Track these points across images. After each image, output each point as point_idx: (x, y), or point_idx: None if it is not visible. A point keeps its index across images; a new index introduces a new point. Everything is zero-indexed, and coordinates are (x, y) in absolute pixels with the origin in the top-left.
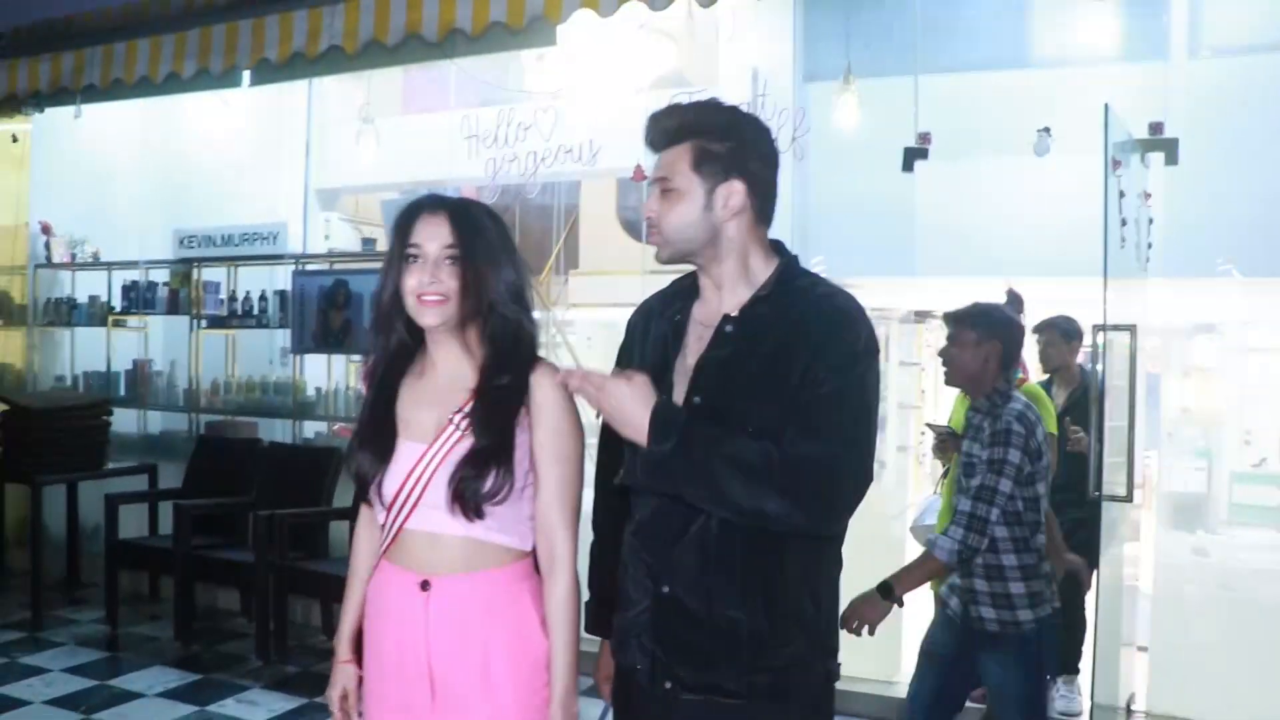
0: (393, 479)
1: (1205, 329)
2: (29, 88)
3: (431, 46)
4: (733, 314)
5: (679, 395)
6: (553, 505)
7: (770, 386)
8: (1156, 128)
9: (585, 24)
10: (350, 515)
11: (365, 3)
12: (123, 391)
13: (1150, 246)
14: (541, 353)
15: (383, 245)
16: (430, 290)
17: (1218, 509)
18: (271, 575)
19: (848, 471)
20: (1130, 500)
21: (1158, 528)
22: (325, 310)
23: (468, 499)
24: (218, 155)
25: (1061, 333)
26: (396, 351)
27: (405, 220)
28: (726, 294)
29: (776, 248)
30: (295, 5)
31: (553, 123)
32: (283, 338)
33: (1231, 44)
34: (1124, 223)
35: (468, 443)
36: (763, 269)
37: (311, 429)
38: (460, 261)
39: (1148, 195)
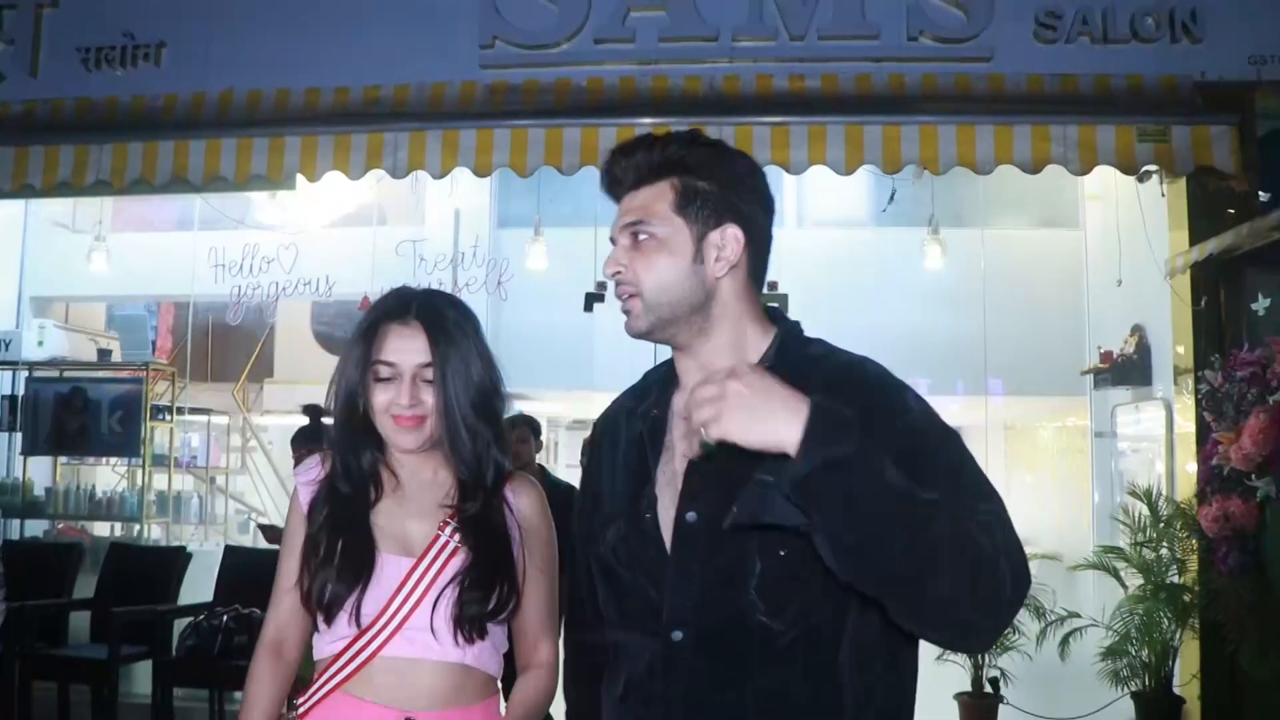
0: (374, 598)
1: None
2: None
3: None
4: None
5: (665, 511)
6: (541, 616)
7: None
8: (773, 285)
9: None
10: (91, 606)
11: (133, 147)
12: None
13: None
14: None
15: (118, 356)
16: (410, 414)
17: None
18: (18, 663)
19: (1018, 547)
20: None
21: None
22: (60, 415)
23: (471, 618)
24: None
25: (533, 430)
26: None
27: (371, 329)
28: None
29: (772, 315)
30: (62, 140)
31: (293, 258)
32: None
33: (828, 218)
34: None
35: (462, 557)
36: (759, 341)
37: (38, 527)
38: (438, 382)
39: None
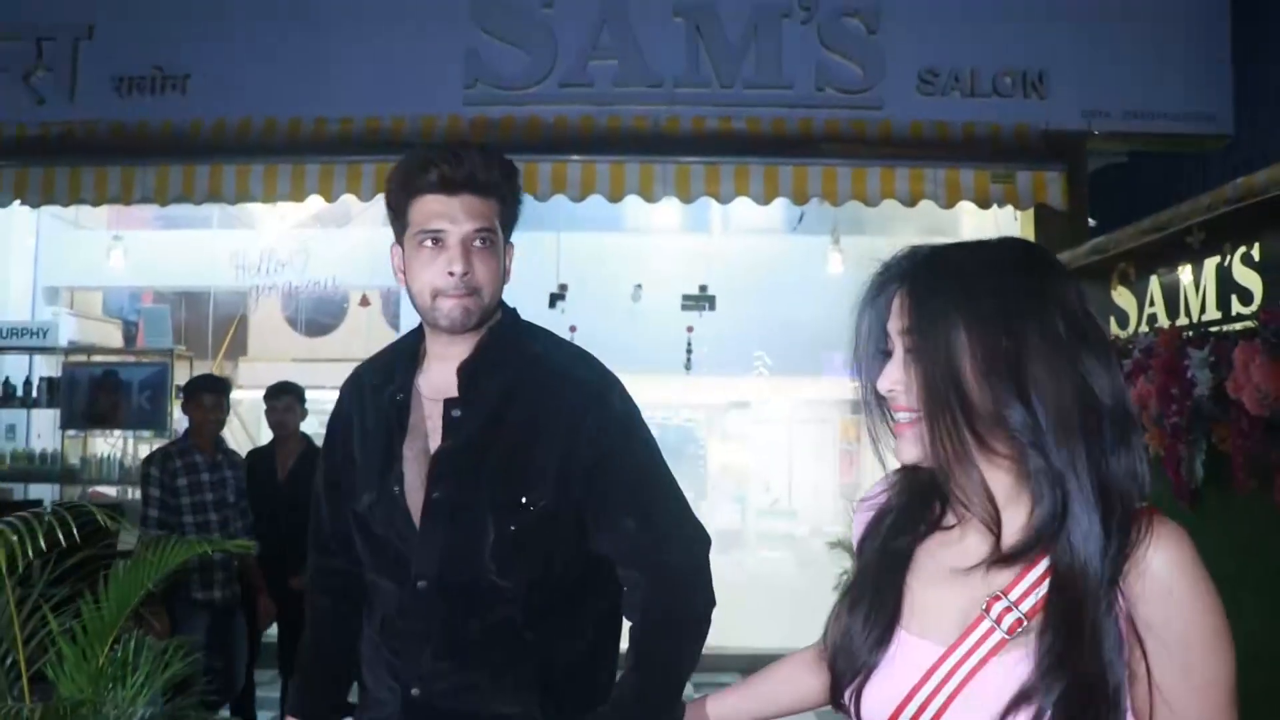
0: (882, 692)
1: (739, 406)
2: None
3: None
4: (452, 394)
5: (413, 485)
6: None
7: (521, 474)
8: (704, 288)
9: None
10: None
11: (174, 170)
12: None
13: (690, 355)
14: None
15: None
16: (897, 406)
17: (749, 538)
18: None
19: (697, 538)
20: None
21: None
22: (95, 394)
23: None
24: None
25: (299, 399)
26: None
27: (872, 292)
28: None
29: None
30: (109, 161)
31: (305, 260)
32: (51, 417)
33: (750, 226)
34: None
35: (1018, 659)
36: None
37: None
38: (913, 353)
39: (690, 329)
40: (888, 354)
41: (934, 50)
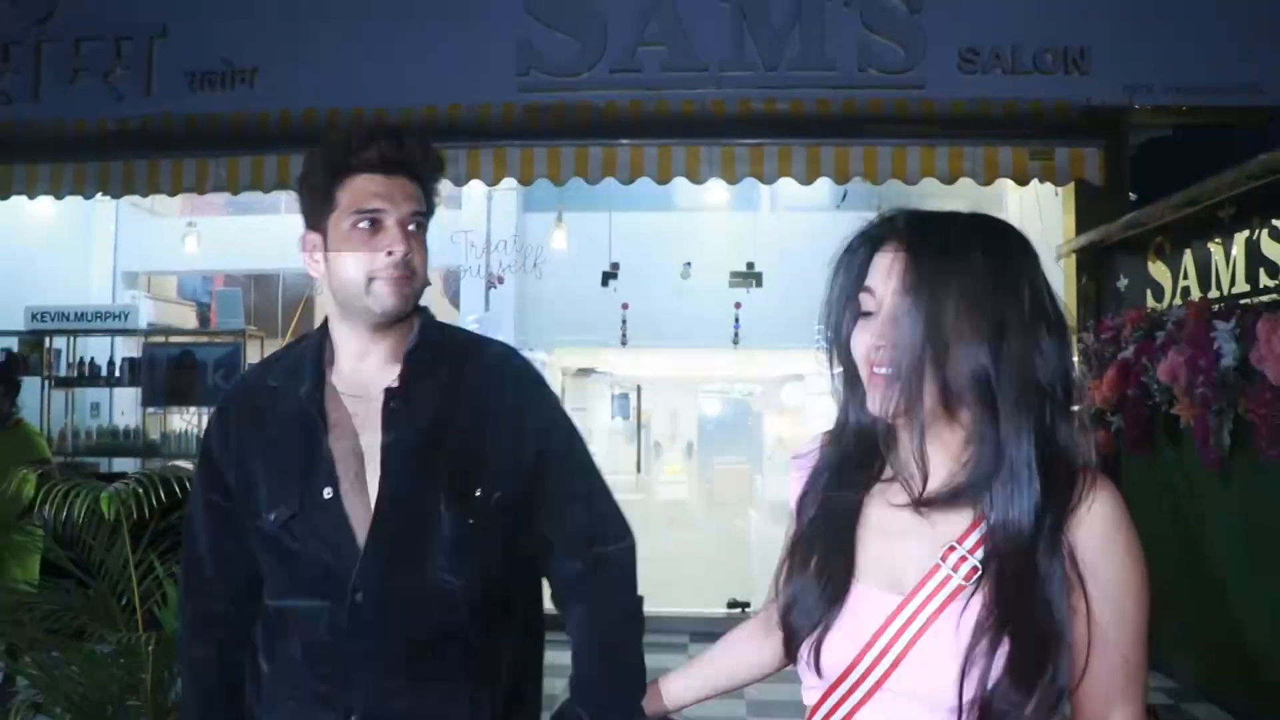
0: (841, 643)
1: (794, 379)
2: None
3: None
4: (393, 384)
5: (348, 486)
6: (1114, 688)
7: (474, 466)
8: (751, 265)
9: None
10: None
11: (244, 161)
12: None
13: (737, 328)
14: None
15: (193, 323)
16: (880, 361)
17: None
18: None
19: (627, 529)
20: None
21: (760, 524)
22: (173, 373)
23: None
24: (29, 239)
25: None
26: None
27: (851, 253)
28: (390, 357)
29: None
30: (184, 153)
31: None
32: (132, 395)
33: (795, 204)
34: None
35: (975, 604)
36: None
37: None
38: (904, 312)
39: (738, 305)
40: (860, 310)
41: (975, 28)
